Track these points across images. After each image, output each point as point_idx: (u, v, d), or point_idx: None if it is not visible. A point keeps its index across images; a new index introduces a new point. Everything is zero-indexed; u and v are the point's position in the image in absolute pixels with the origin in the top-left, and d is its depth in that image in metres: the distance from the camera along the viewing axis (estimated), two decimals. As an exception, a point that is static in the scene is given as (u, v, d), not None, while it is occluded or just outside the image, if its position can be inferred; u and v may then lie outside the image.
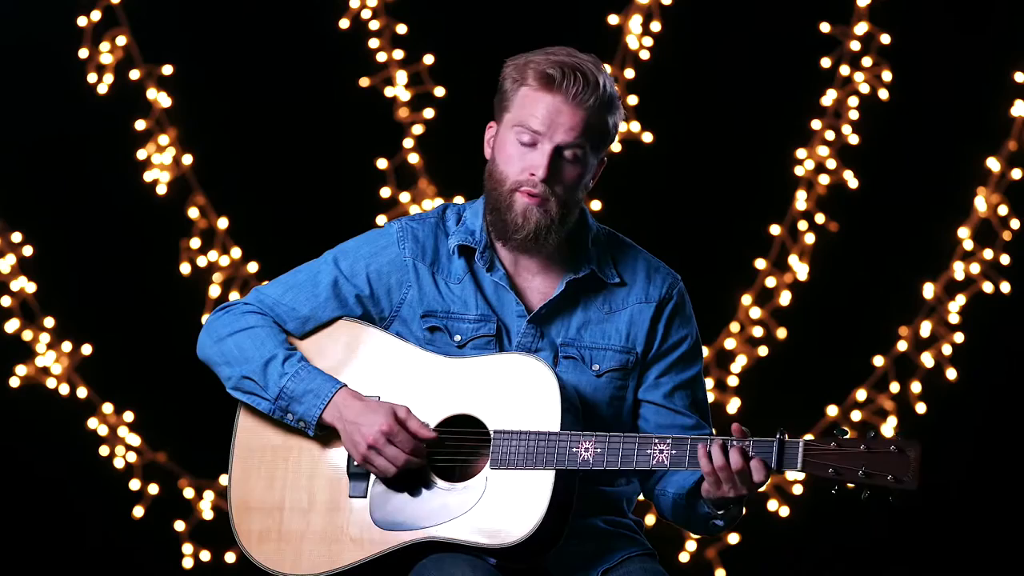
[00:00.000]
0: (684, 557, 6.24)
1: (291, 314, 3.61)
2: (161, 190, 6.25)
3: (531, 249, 3.56)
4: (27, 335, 6.21)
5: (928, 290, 6.25)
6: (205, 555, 6.24)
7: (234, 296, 6.23)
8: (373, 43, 6.26)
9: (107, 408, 6.24)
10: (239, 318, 3.61)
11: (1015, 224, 6.24)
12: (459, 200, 3.76)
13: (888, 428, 6.22)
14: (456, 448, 3.49)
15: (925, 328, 6.24)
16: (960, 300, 6.25)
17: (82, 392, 6.23)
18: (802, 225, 6.29)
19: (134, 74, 6.24)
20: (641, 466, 3.38)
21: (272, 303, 3.62)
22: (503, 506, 3.40)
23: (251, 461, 3.58)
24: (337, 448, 3.54)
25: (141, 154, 6.24)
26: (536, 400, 3.44)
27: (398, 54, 6.27)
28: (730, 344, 6.28)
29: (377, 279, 3.61)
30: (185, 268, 6.26)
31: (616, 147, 6.28)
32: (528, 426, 3.42)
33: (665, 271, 3.67)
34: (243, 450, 3.59)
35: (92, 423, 6.23)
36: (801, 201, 6.28)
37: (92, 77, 6.22)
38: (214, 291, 6.25)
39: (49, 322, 6.23)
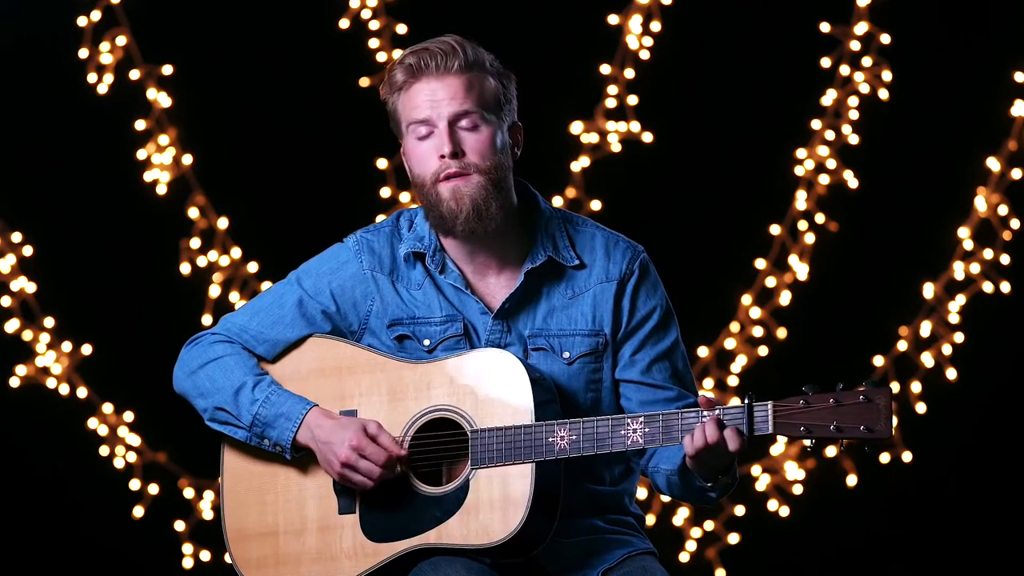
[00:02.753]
0: (684, 557, 6.24)
1: (259, 338, 3.62)
2: (161, 190, 6.25)
3: (481, 232, 3.52)
4: (27, 335, 6.21)
5: (928, 290, 6.25)
6: (205, 555, 6.24)
7: (234, 296, 6.23)
8: (373, 43, 6.27)
9: (107, 408, 6.24)
10: (208, 349, 3.63)
11: (1015, 224, 6.24)
12: (412, 206, 3.76)
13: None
14: (437, 452, 3.49)
15: (925, 328, 6.24)
16: (960, 300, 6.25)
17: (82, 392, 6.23)
18: (802, 225, 6.29)
19: (134, 74, 6.24)
20: (618, 448, 3.38)
21: (239, 330, 3.64)
22: (488, 504, 3.41)
23: (240, 490, 3.60)
24: (321, 468, 3.55)
25: (141, 154, 6.24)
26: (508, 393, 3.44)
27: (398, 54, 6.27)
28: (730, 344, 6.28)
29: (341, 294, 3.62)
30: (185, 268, 6.26)
31: (616, 147, 6.29)
32: (504, 420, 3.43)
33: (624, 244, 3.63)
34: (232, 481, 3.61)
35: (92, 423, 6.23)
36: (801, 201, 6.28)
37: (92, 77, 6.22)
38: (214, 291, 6.25)
39: (49, 322, 6.23)
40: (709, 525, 6.24)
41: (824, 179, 6.28)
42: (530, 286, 3.57)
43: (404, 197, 6.25)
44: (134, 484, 6.24)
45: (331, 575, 3.50)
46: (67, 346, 6.23)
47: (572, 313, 3.58)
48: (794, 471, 6.24)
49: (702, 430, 3.31)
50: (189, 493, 6.27)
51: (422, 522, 3.45)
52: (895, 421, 3.28)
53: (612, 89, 6.28)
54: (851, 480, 6.22)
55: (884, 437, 3.24)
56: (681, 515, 6.23)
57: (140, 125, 6.25)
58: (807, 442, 3.32)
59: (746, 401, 3.32)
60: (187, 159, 6.27)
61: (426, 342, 3.57)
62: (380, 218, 6.10)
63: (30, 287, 6.24)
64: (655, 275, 3.63)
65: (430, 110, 3.52)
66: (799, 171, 6.29)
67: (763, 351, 6.29)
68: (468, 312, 3.58)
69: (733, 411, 3.32)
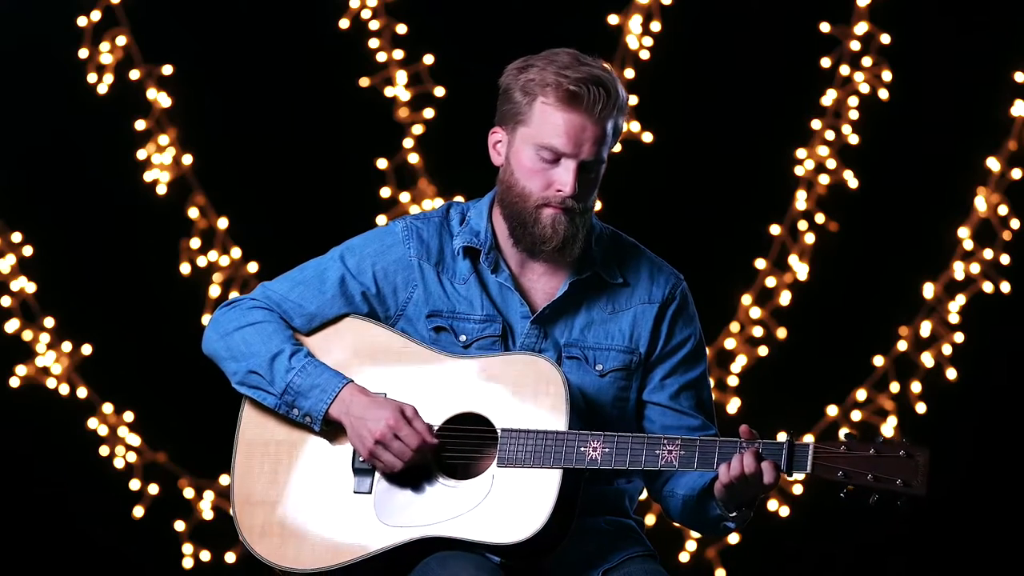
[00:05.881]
0: (684, 557, 6.24)
1: (298, 311, 3.61)
2: (161, 190, 6.25)
3: (556, 258, 3.56)
4: (27, 335, 6.21)
5: (928, 290, 6.25)
6: (205, 555, 6.24)
7: (234, 296, 6.22)
8: (373, 43, 6.26)
9: (107, 408, 6.24)
10: (246, 313, 3.61)
11: (1015, 224, 6.24)
12: (459, 199, 3.76)
13: (888, 428, 6.22)
14: (462, 446, 3.49)
15: (925, 328, 6.25)
16: (960, 300, 6.25)
17: (82, 392, 6.23)
18: (802, 225, 6.29)
19: (134, 74, 6.24)
20: (649, 466, 3.39)
21: (279, 299, 3.62)
22: (509, 504, 3.40)
23: (254, 456, 3.58)
24: (341, 444, 3.53)
25: (141, 154, 6.24)
26: (543, 399, 3.44)
27: (398, 54, 6.27)
28: (730, 344, 6.29)
29: (383, 278, 3.61)
30: (185, 268, 6.26)
31: (616, 147, 6.28)
32: (535, 425, 3.43)
33: (668, 271, 3.67)
34: (246, 445, 3.59)
35: (92, 423, 6.23)
36: (801, 201, 6.28)
37: (92, 77, 6.22)
38: (214, 291, 6.25)
39: (49, 322, 6.23)
40: (709, 525, 6.23)
41: (824, 179, 6.28)
42: (572, 296, 3.59)
43: (404, 197, 6.25)
44: (134, 484, 6.24)
45: (336, 553, 3.48)
46: (67, 346, 6.23)
47: (610, 328, 3.60)
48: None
49: (740, 460, 3.33)
50: (189, 493, 6.26)
51: (437, 513, 3.44)
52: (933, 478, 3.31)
53: (612, 89, 6.27)
54: (851, 480, 6.21)
55: (919, 495, 3.27)
56: (681, 515, 6.23)
57: (140, 125, 6.24)
58: (837, 488, 3.34)
59: (787, 438, 3.35)
60: (187, 159, 6.26)
61: (463, 337, 3.57)
62: (380, 218, 6.16)
63: (30, 287, 6.24)
64: (693, 306, 3.68)
65: (572, 147, 3.48)
66: (799, 171, 6.29)
67: (763, 351, 6.29)
68: (509, 313, 3.58)
69: (773, 446, 3.35)
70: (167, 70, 6.25)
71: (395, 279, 3.61)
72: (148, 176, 6.25)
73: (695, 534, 6.24)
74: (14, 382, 6.19)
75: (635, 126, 6.28)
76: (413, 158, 6.27)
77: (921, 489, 3.28)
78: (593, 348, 3.58)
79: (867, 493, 3.32)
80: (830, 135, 6.28)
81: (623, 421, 3.58)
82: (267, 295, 3.64)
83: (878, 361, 6.26)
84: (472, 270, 3.60)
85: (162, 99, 6.25)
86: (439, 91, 6.26)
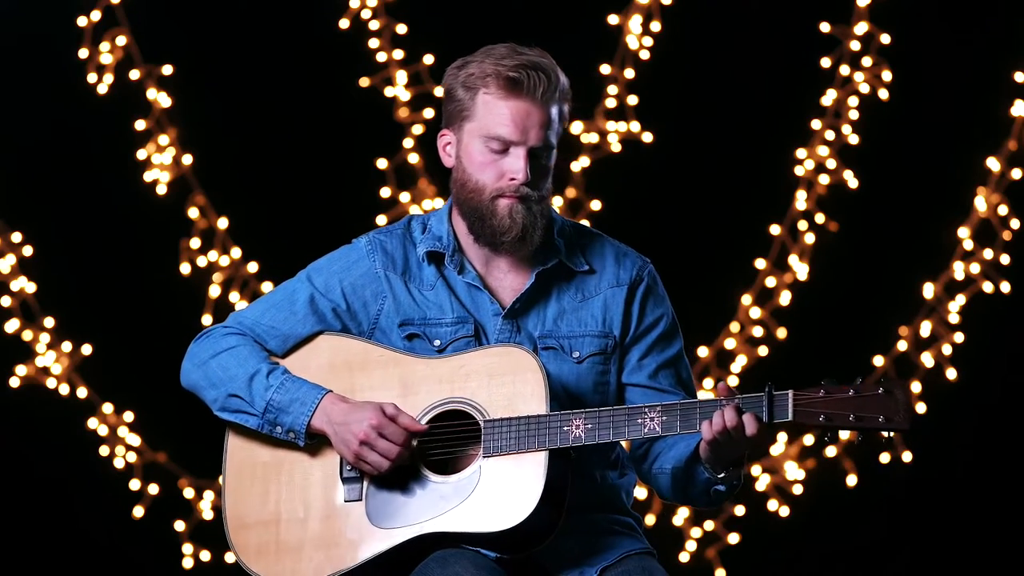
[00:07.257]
0: (684, 557, 6.24)
1: (271, 332, 3.63)
2: (161, 190, 6.25)
3: (517, 249, 3.58)
4: (27, 335, 6.22)
5: (928, 290, 6.25)
6: (205, 555, 6.24)
7: (234, 296, 6.23)
8: (373, 43, 6.27)
9: (107, 408, 6.24)
10: (220, 340, 3.63)
11: (1015, 224, 6.24)
12: (441, 201, 3.78)
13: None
14: (447, 442, 3.50)
15: (925, 328, 6.25)
16: (960, 300, 6.25)
17: (82, 392, 6.23)
18: (802, 225, 6.30)
19: (134, 74, 6.24)
20: (634, 435, 3.40)
21: (251, 323, 3.64)
22: (499, 493, 3.42)
23: (243, 479, 3.60)
24: (328, 456, 3.55)
25: (141, 154, 6.25)
26: (522, 387, 3.46)
27: (398, 54, 6.27)
28: (730, 344, 6.29)
29: (352, 293, 3.63)
30: (185, 268, 6.26)
31: (616, 147, 6.29)
32: (516, 413, 3.44)
33: (634, 255, 3.68)
34: (235, 469, 3.61)
35: (92, 423, 6.23)
36: (801, 201, 6.28)
37: (92, 77, 6.22)
38: (214, 291, 6.25)
39: (49, 322, 6.23)
40: (709, 525, 6.24)
41: (824, 179, 6.28)
42: (540, 287, 3.61)
43: (404, 197, 6.25)
44: (134, 484, 6.24)
45: (334, 561, 3.49)
46: (67, 346, 6.23)
47: (582, 316, 3.61)
48: (794, 471, 6.24)
49: (721, 415, 3.35)
50: (189, 493, 6.27)
51: (429, 509, 3.45)
52: (917, 410, 3.31)
53: (612, 89, 6.28)
54: (851, 480, 6.22)
55: (902, 429, 3.28)
56: (681, 515, 6.23)
57: (140, 125, 6.25)
58: (820, 433, 3.34)
59: (766, 388, 3.36)
60: (187, 159, 6.27)
61: (436, 342, 3.59)
62: (380, 218, 6.16)
63: (30, 287, 6.24)
64: (662, 287, 3.69)
65: (519, 134, 3.51)
66: (799, 171, 6.29)
67: (763, 351, 6.29)
68: (480, 312, 3.60)
69: (753, 399, 3.36)
70: (167, 70, 6.25)
71: (364, 293, 3.63)
72: (148, 176, 6.25)
73: (695, 534, 6.23)
74: (14, 382, 6.19)
75: (635, 126, 6.28)
76: (413, 158, 6.27)
77: (904, 423, 3.29)
78: (567, 337, 3.60)
79: (850, 431, 3.33)
80: (830, 135, 6.28)
81: (606, 407, 3.59)
82: (239, 321, 3.66)
83: (878, 361, 6.26)
84: (438, 275, 3.63)
85: (162, 99, 6.25)
86: (439, 91, 6.25)
